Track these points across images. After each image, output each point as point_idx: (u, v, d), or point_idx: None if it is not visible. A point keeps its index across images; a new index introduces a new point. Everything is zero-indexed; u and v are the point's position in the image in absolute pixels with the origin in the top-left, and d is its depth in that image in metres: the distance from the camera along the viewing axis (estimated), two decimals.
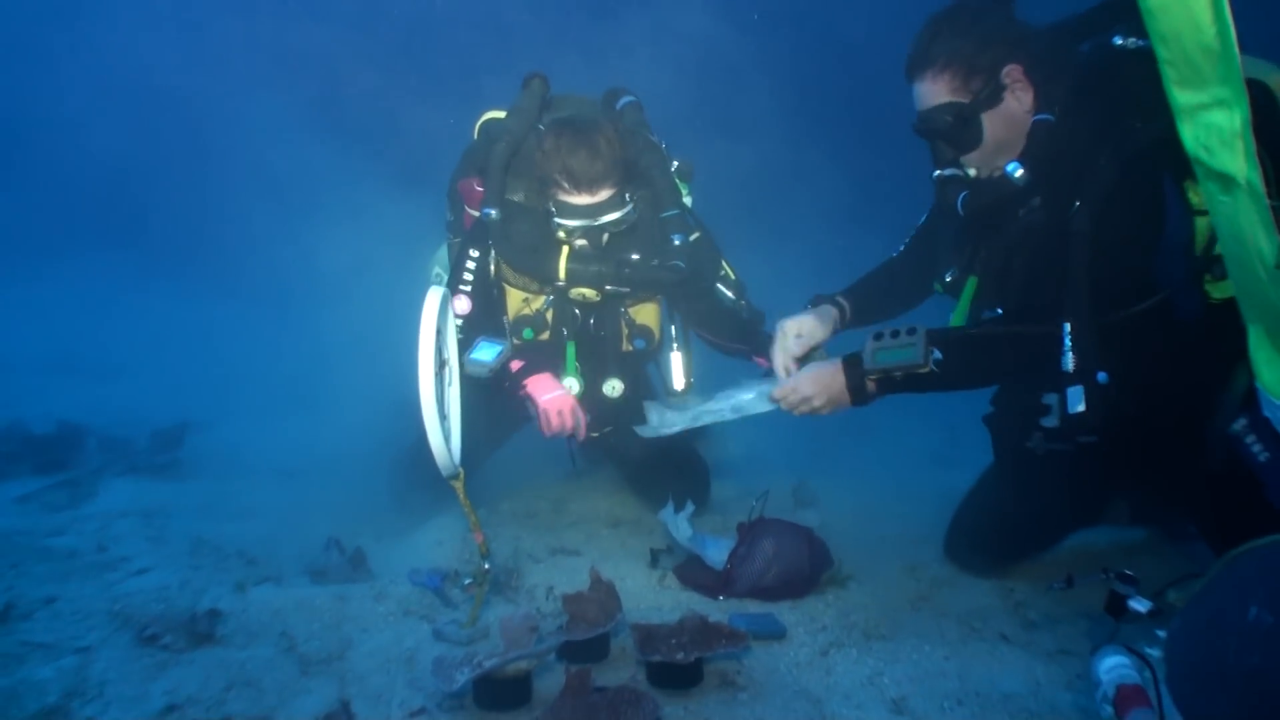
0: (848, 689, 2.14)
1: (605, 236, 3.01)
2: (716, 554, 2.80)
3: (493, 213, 3.01)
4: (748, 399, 2.68)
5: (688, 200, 3.38)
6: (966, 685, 2.15)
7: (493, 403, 3.19)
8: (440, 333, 2.39)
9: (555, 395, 3.04)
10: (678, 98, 8.21)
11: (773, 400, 2.61)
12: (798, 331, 2.73)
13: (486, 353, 2.94)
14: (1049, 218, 2.37)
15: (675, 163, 3.33)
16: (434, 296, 2.39)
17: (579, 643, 2.21)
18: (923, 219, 2.99)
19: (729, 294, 3.30)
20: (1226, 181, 1.44)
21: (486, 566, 2.57)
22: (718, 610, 2.58)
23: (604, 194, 2.93)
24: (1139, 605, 1.87)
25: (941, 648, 2.37)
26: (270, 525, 3.32)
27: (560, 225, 2.97)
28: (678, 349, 3.35)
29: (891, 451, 4.56)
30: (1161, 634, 1.68)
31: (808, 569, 2.77)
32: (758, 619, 2.49)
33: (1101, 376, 2.14)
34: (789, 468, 4.17)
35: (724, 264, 3.35)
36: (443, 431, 2.32)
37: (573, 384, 3.16)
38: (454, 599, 2.67)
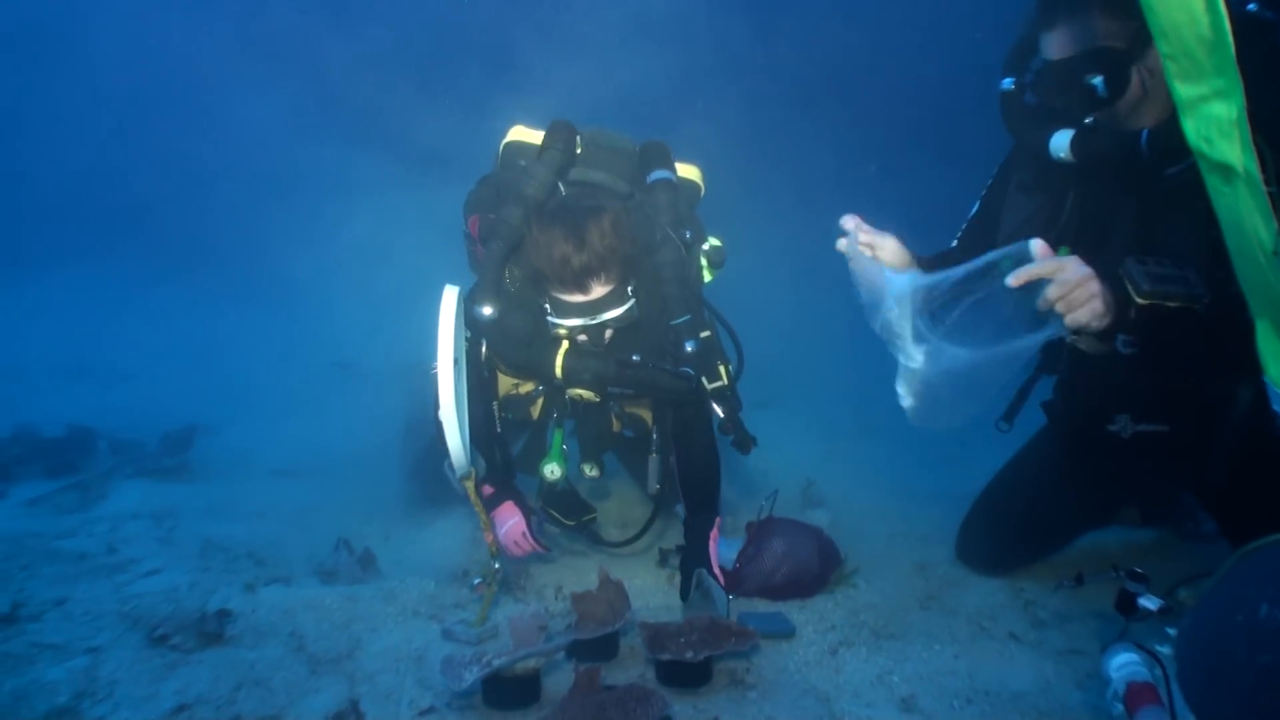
0: (857, 687, 2.14)
1: (608, 333, 2.75)
2: (726, 553, 2.80)
3: (486, 310, 2.76)
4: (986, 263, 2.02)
5: (708, 276, 3.07)
6: (976, 684, 2.15)
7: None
8: (456, 332, 2.40)
9: (509, 526, 2.81)
10: (655, 85, 8.14)
11: (1050, 298, 1.94)
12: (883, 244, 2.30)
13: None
14: None
15: (709, 241, 3.02)
16: (450, 296, 2.39)
17: (588, 641, 2.21)
18: (974, 208, 2.74)
19: (719, 411, 2.92)
20: (1227, 172, 1.44)
21: (496, 566, 2.58)
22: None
23: (599, 290, 2.63)
24: (1149, 603, 1.85)
25: (951, 646, 2.37)
26: (279, 526, 3.33)
27: (557, 325, 2.72)
28: (655, 452, 3.05)
29: (901, 452, 4.54)
30: (1172, 632, 1.67)
31: (817, 568, 2.77)
32: (767, 618, 2.49)
33: None
34: (799, 467, 4.16)
35: (721, 371, 2.94)
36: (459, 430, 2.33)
37: (554, 469, 3.00)
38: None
